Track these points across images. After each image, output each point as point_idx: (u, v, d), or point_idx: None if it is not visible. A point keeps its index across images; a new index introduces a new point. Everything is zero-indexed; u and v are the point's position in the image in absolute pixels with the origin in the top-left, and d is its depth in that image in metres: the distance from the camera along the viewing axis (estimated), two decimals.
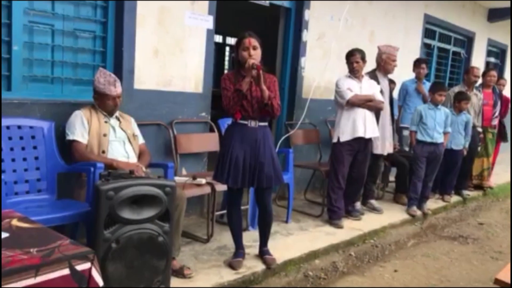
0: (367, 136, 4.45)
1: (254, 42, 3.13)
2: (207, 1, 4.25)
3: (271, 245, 3.67)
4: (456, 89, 6.14)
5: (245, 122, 3.23)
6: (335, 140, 4.53)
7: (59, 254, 1.55)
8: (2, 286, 1.36)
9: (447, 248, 4.47)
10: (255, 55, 3.12)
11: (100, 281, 1.64)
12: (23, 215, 1.99)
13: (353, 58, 4.42)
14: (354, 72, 4.46)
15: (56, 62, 3.52)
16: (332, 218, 4.60)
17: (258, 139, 3.23)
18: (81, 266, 1.54)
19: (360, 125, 4.39)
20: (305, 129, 5.34)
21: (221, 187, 3.88)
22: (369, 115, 4.46)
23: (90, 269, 1.58)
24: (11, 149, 3.08)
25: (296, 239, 4.17)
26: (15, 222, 1.86)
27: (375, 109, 4.55)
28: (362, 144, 4.50)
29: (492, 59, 10.14)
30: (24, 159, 3.13)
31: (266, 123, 3.32)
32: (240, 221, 3.53)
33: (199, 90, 4.33)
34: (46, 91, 3.48)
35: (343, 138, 4.44)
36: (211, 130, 4.49)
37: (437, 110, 5.20)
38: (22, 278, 1.42)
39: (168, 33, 3.99)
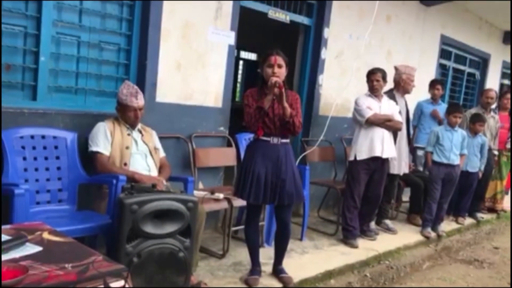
0: (384, 156, 4.43)
1: (280, 60, 3.14)
2: (230, 17, 4.28)
3: (287, 263, 3.65)
4: (473, 111, 6.13)
5: (267, 139, 3.23)
6: (351, 158, 4.52)
7: (94, 271, 1.54)
8: None
9: (463, 272, 4.41)
10: (279, 73, 3.12)
11: None
12: (52, 228, 1.99)
13: (374, 76, 4.43)
14: (373, 91, 4.46)
15: (80, 73, 3.55)
16: (347, 237, 4.57)
17: (280, 156, 3.23)
18: (115, 284, 1.53)
19: (377, 144, 4.38)
20: (321, 147, 5.33)
21: (238, 203, 3.88)
22: (387, 135, 4.45)
23: (123, 287, 1.57)
24: (35, 158, 3.10)
25: (311, 258, 4.14)
26: (46, 235, 1.86)
27: (393, 130, 4.54)
28: (379, 163, 4.48)
29: (506, 81, 10.12)
30: (47, 169, 3.15)
31: (288, 140, 3.32)
32: (257, 238, 3.52)
33: (218, 105, 4.35)
34: (70, 101, 3.51)
35: (360, 157, 4.42)
36: (229, 145, 4.50)
37: (454, 132, 5.18)
38: None
39: (191, 48, 4.02)
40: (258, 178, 3.20)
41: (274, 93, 3.07)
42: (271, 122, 3.19)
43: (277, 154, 3.23)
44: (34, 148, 3.10)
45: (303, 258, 4.09)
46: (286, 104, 3.11)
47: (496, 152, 6.27)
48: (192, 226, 2.80)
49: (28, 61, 3.26)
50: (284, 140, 3.27)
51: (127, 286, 1.55)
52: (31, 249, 1.70)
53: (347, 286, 3.80)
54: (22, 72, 3.26)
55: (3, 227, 1.90)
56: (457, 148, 5.18)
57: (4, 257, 1.57)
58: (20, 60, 3.23)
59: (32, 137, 3.11)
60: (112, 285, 1.52)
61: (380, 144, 4.39)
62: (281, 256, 3.56)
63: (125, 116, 3.34)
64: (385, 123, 4.42)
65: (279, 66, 3.13)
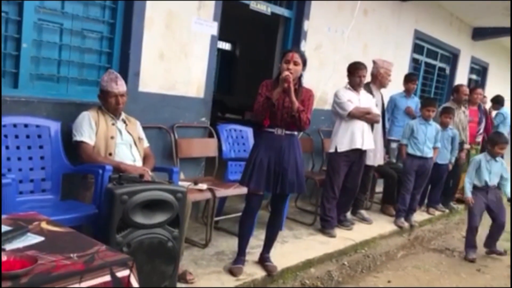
0: (364, 147, 4.54)
1: (297, 58, 3.24)
2: (213, 8, 4.27)
3: None
4: (447, 105, 6.29)
5: (272, 130, 3.32)
6: (332, 150, 4.59)
7: (100, 260, 1.55)
8: None
9: (436, 261, 4.58)
10: (294, 70, 3.22)
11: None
12: (49, 218, 1.98)
13: (362, 72, 4.48)
14: (357, 86, 4.53)
15: (62, 61, 3.49)
16: (325, 227, 4.66)
17: (283, 146, 3.32)
18: (121, 273, 1.55)
19: (358, 136, 4.47)
20: (300, 138, 5.38)
21: (221, 193, 3.92)
22: (367, 128, 4.55)
23: (129, 276, 1.59)
24: (17, 147, 3.03)
25: (292, 247, 4.22)
26: (44, 225, 1.85)
27: (372, 122, 4.65)
28: (358, 155, 4.58)
29: (474, 76, 10.45)
30: (30, 158, 3.08)
31: (294, 132, 3.40)
32: (252, 228, 3.61)
33: (200, 95, 4.35)
34: (52, 90, 3.45)
35: (341, 149, 4.50)
36: (210, 136, 4.51)
37: (428, 125, 5.33)
38: (68, 284, 1.42)
39: (175, 38, 4.00)
40: (261, 166, 3.29)
41: (283, 87, 3.17)
42: (278, 114, 3.28)
43: (281, 144, 3.32)
44: (16, 137, 3.03)
45: (284, 248, 4.15)
46: (294, 99, 3.22)
47: (467, 146, 6.46)
48: (180, 216, 2.82)
49: (9, 48, 3.18)
50: (288, 132, 3.35)
51: (132, 275, 1.57)
52: (33, 239, 1.69)
53: (327, 274, 3.89)
54: (3, 59, 3.17)
55: None
56: (431, 141, 5.34)
57: (8, 247, 1.56)
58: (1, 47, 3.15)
59: (14, 125, 3.03)
60: (118, 274, 1.53)
61: (360, 137, 4.49)
62: (270, 244, 3.65)
63: (107, 103, 3.28)
64: (365, 115, 4.51)
65: (295, 63, 3.24)
